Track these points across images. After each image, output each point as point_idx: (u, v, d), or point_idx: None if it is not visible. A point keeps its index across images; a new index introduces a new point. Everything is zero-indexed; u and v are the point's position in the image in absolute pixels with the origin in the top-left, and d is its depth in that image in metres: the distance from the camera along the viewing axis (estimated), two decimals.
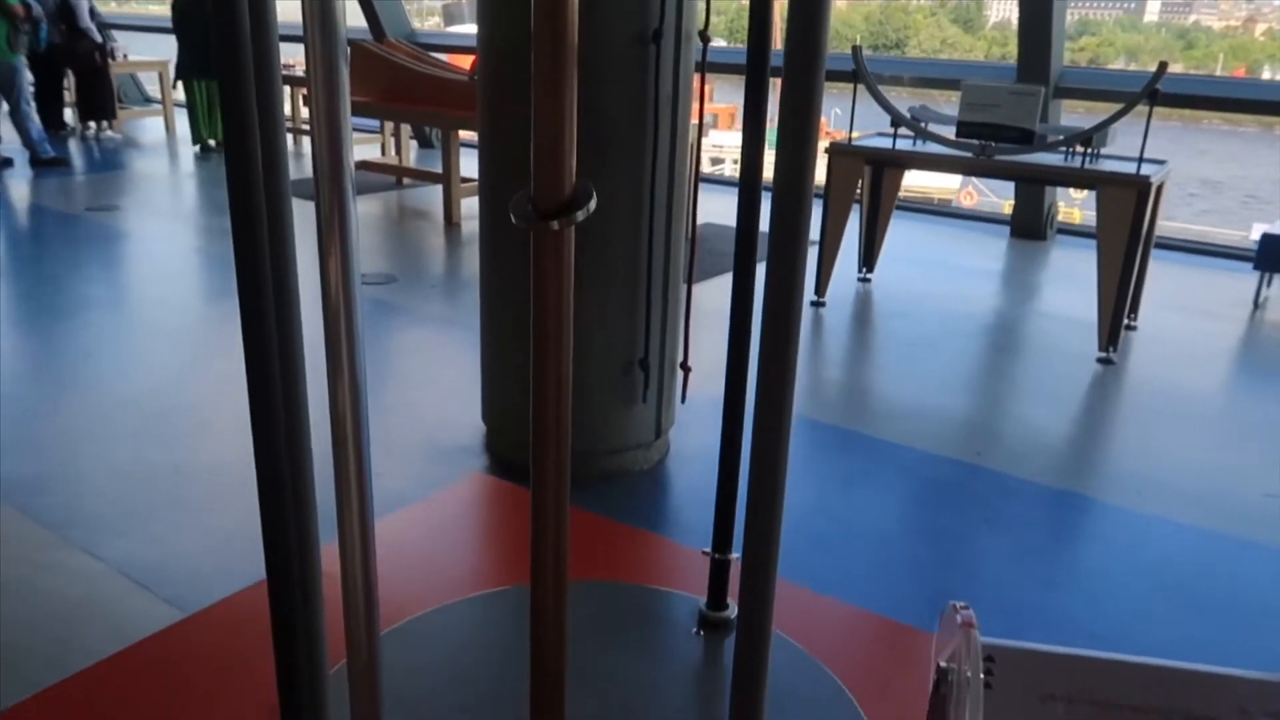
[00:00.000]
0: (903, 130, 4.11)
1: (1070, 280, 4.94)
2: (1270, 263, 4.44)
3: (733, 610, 0.86)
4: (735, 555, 0.84)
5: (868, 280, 4.73)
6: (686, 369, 2.65)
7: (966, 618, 0.68)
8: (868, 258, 4.70)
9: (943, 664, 0.68)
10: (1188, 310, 4.55)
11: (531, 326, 0.56)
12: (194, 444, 2.81)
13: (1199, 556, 2.44)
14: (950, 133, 4.01)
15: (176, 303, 4.12)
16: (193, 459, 2.70)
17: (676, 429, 2.85)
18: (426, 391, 3.26)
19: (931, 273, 5.01)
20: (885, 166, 4.36)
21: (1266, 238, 4.43)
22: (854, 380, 3.71)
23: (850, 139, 4.23)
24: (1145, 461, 2.99)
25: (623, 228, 2.40)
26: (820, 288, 4.29)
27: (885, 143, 4.16)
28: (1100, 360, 3.80)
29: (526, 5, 0.61)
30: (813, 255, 4.33)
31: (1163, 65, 3.61)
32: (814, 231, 4.51)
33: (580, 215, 0.46)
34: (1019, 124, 3.85)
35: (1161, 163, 3.83)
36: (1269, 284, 4.64)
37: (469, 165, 6.39)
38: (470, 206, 5.83)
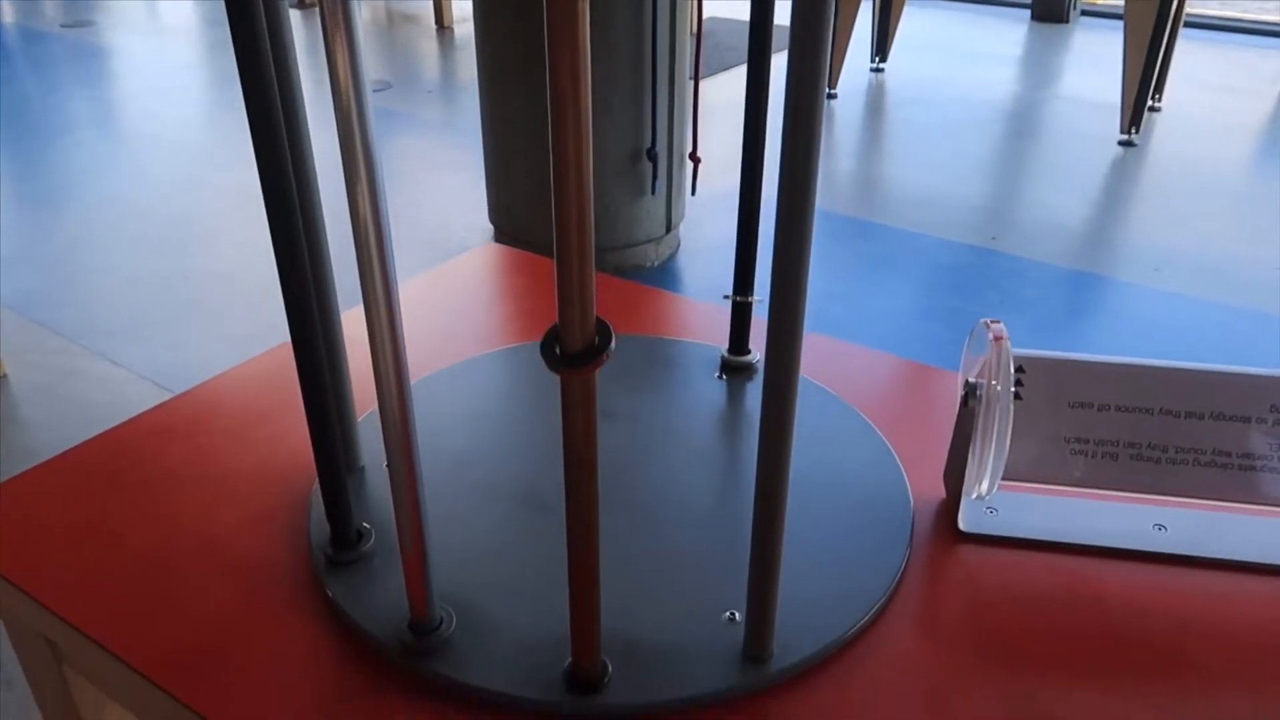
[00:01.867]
0: None
1: (1093, 63, 4.73)
2: None
3: (754, 355, 0.85)
4: (757, 298, 0.82)
5: (880, 70, 4.53)
6: (696, 160, 2.58)
7: (998, 331, 0.66)
8: (880, 47, 4.49)
9: (971, 379, 0.67)
10: (1215, 88, 4.37)
11: None
12: (202, 252, 2.79)
13: (1216, 331, 2.44)
14: None
15: (169, 117, 4.00)
16: (202, 266, 2.69)
17: (686, 224, 2.80)
18: (430, 194, 3.20)
19: (947, 60, 4.80)
20: None
21: None
22: (868, 170, 3.62)
23: None
24: (1164, 241, 2.95)
25: (624, 9, 2.27)
26: (832, 79, 4.12)
27: None
28: (1122, 143, 3.68)
29: None
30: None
31: None
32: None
33: (605, 358, 0.46)
34: None
35: None
36: None
37: None
38: (462, 9, 5.55)
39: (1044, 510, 0.71)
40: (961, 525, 0.70)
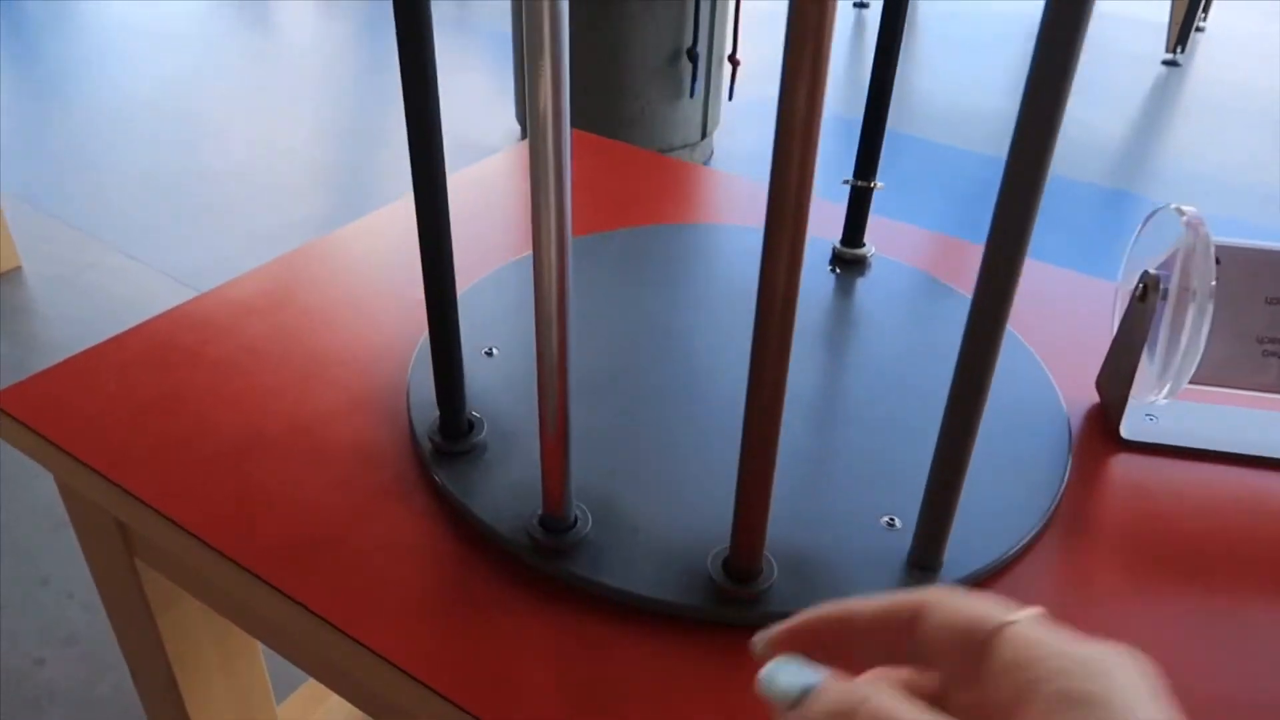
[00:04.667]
0: None
1: None
2: None
3: (869, 248, 0.78)
4: (879, 184, 0.74)
5: None
6: (735, 62, 2.47)
7: (1194, 217, 0.59)
8: None
9: (1153, 270, 0.59)
10: (1263, 11, 4.21)
11: None
12: (213, 148, 2.67)
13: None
14: None
15: (167, 9, 3.82)
16: (214, 163, 2.58)
17: (720, 132, 2.69)
18: (452, 97, 3.07)
19: None
20: None
21: None
22: (901, 83, 3.49)
23: None
24: (1203, 162, 2.86)
25: None
26: None
27: None
28: (1166, 63, 3.56)
29: None
30: None
31: None
32: None
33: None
34: None
35: None
36: None
37: None
38: None
39: (1210, 418, 0.65)
40: (1124, 433, 0.64)
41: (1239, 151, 2.93)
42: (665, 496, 0.57)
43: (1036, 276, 0.86)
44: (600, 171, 1.00)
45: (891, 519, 0.56)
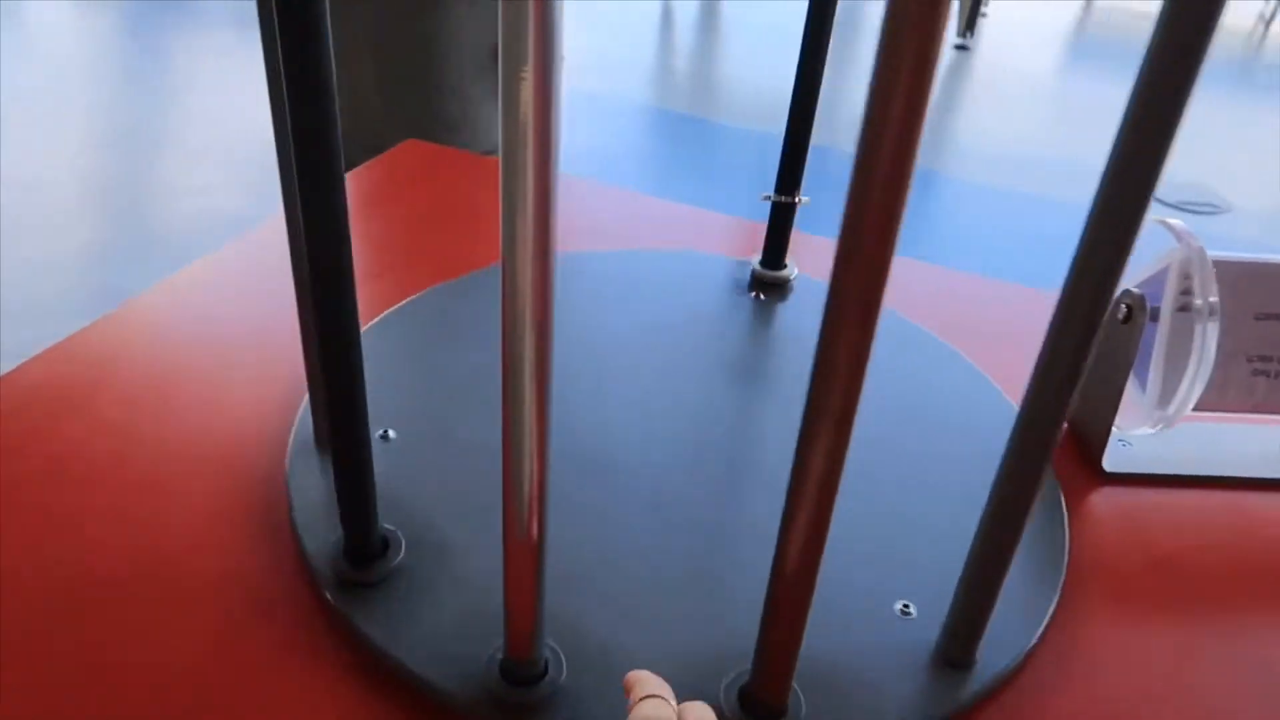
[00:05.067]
0: None
1: None
2: None
3: (793, 269, 0.70)
4: (804, 198, 0.66)
5: None
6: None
7: (1184, 230, 0.53)
8: None
9: (1135, 289, 0.54)
10: None
11: None
12: None
13: (1027, 218, 2.48)
14: None
15: None
16: None
17: None
18: (254, 95, 2.79)
19: None
20: None
21: None
22: (703, 70, 3.49)
23: None
24: (992, 139, 3.01)
25: None
26: None
27: None
28: (957, 47, 3.72)
29: None
30: None
31: None
32: None
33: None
34: None
35: None
36: None
37: None
38: None
39: (1186, 440, 0.61)
40: (1107, 466, 0.59)
41: (1023, 128, 3.10)
42: (647, 613, 0.46)
43: (952, 284, 0.81)
44: (449, 189, 0.87)
45: (905, 605, 0.48)
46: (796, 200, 0.69)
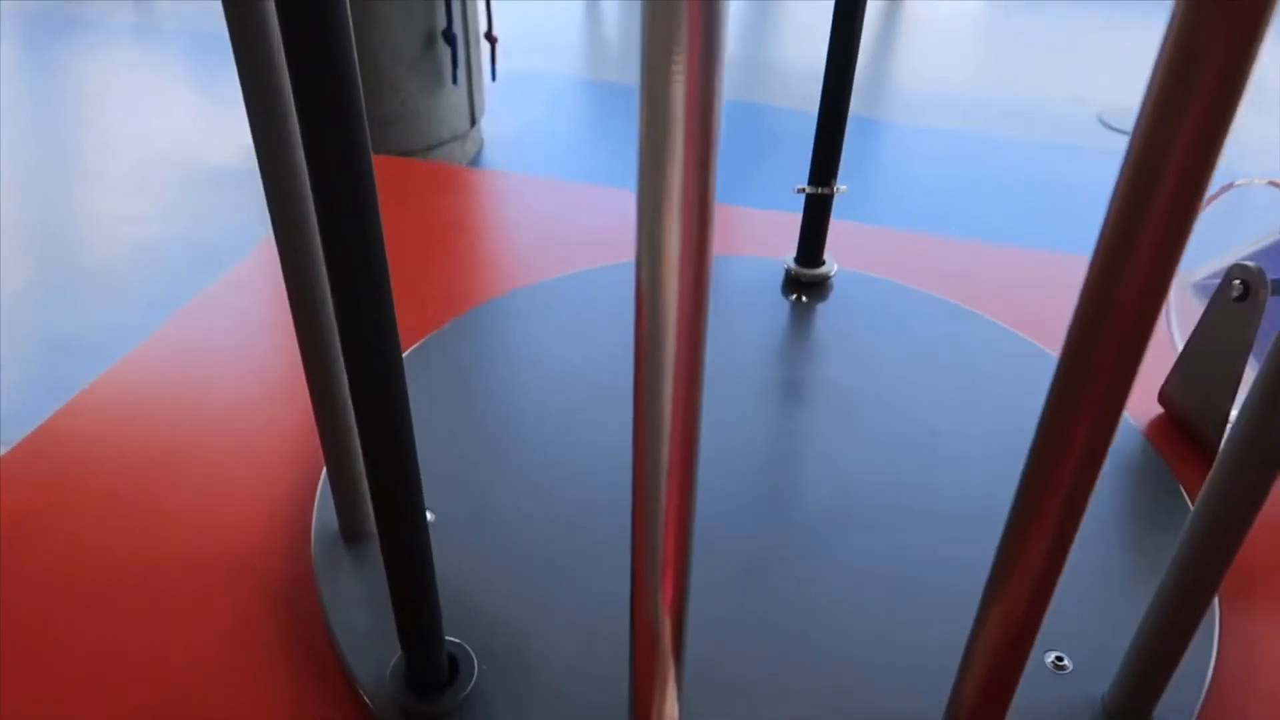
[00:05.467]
0: None
1: None
2: None
3: (831, 264, 0.63)
4: (843, 187, 0.59)
5: None
6: (493, 39, 2.25)
7: None
8: None
9: (1249, 263, 0.48)
10: None
11: None
12: None
13: (968, 157, 2.46)
14: None
15: None
16: None
17: (486, 117, 2.47)
18: (164, 116, 2.64)
19: None
20: None
21: None
22: (635, 36, 3.40)
23: None
24: (925, 81, 2.98)
25: None
26: None
27: None
28: None
29: None
30: None
31: None
32: None
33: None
34: None
35: None
36: None
37: None
38: None
39: None
40: None
41: (955, 69, 3.07)
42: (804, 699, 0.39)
43: (992, 260, 0.75)
44: (429, 210, 0.79)
45: (1059, 658, 0.41)
46: (834, 190, 0.62)
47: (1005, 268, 0.73)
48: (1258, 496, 0.34)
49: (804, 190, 0.62)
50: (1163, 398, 0.57)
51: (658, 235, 0.24)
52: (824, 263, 0.65)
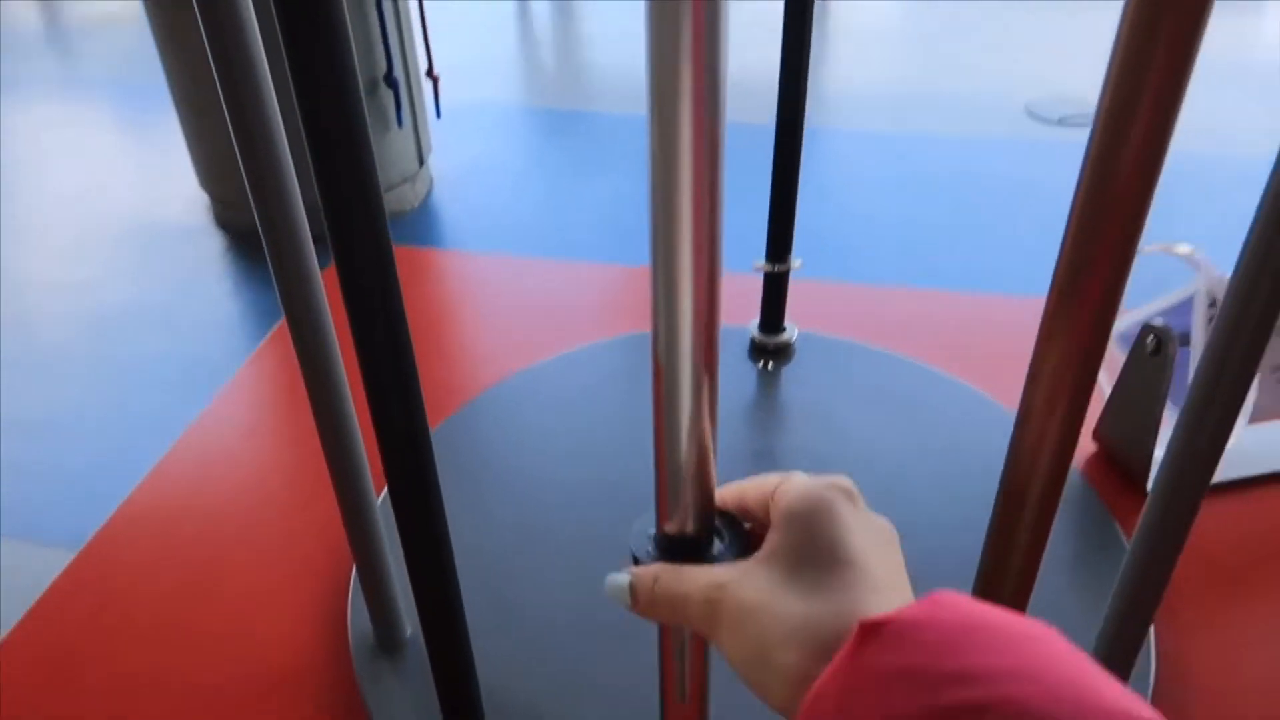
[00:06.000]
0: None
1: None
2: None
3: (792, 330, 0.69)
4: (798, 261, 0.66)
5: None
6: (435, 78, 2.28)
7: (1202, 259, 0.54)
8: None
9: (1159, 322, 0.55)
10: None
11: None
12: None
13: (903, 156, 2.54)
14: None
15: None
16: None
17: (434, 154, 2.51)
18: (101, 173, 2.63)
19: None
20: None
21: None
22: (572, 57, 3.44)
23: None
24: (853, 83, 3.06)
25: None
26: None
27: None
28: None
29: None
30: None
31: None
32: None
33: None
34: None
35: None
36: None
37: None
38: None
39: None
40: (1151, 488, 0.60)
41: (882, 70, 3.16)
42: None
43: (944, 308, 0.81)
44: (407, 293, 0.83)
45: None
46: (790, 266, 0.68)
47: (956, 314, 0.79)
48: (1183, 532, 0.41)
49: (761, 268, 0.68)
50: (1097, 436, 0.64)
51: (673, 308, 0.30)
52: (785, 329, 0.71)
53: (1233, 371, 0.49)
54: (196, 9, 0.57)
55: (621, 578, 0.38)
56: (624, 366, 0.68)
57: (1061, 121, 2.65)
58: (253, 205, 0.51)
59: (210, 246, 2.23)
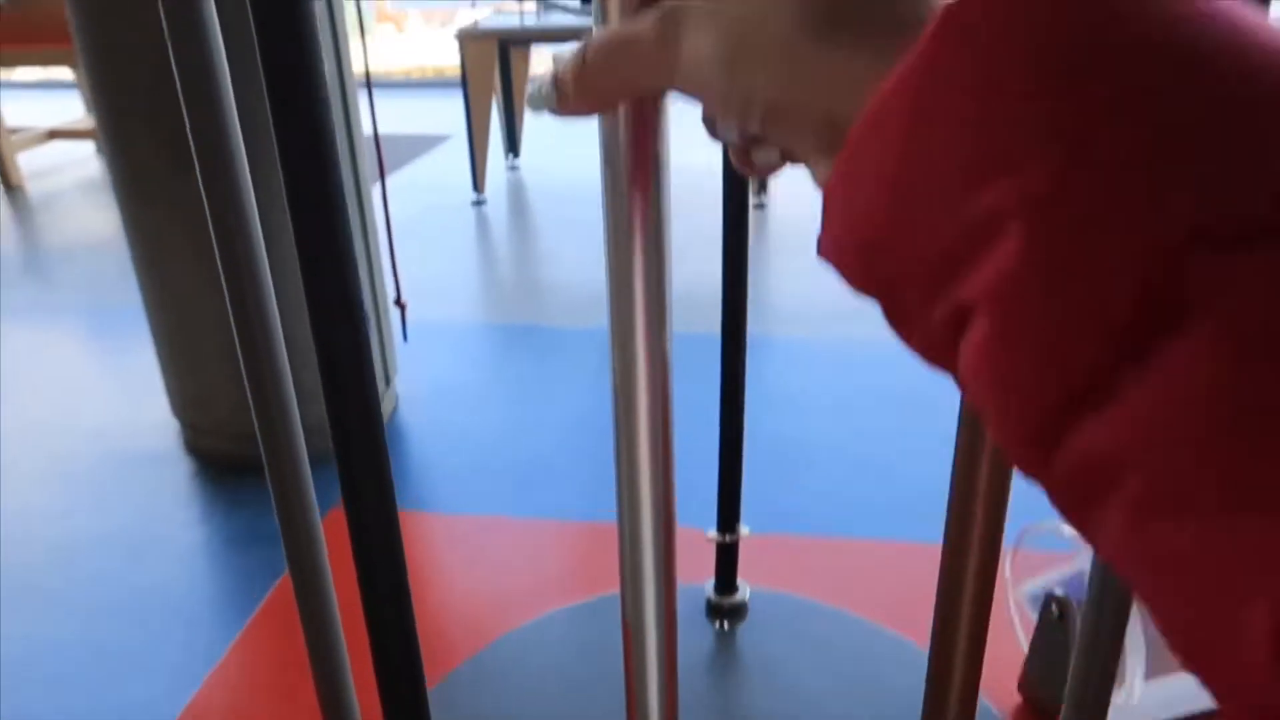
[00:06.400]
0: (525, 5, 3.96)
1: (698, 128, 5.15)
2: None
3: (744, 589, 0.77)
4: (746, 530, 0.75)
5: (516, 168, 4.60)
6: (403, 305, 2.42)
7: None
8: (512, 144, 4.57)
9: (1059, 592, 0.64)
10: None
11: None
12: None
13: (847, 366, 2.69)
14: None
15: None
16: None
17: (399, 376, 2.62)
18: (83, 397, 2.70)
19: (572, 146, 4.99)
20: (517, 45, 4.18)
21: None
22: (527, 274, 3.64)
23: (476, 22, 3.99)
24: (791, 296, 3.24)
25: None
26: (479, 184, 4.10)
27: (512, 21, 3.97)
28: (756, 206, 4.03)
29: None
30: (462, 154, 4.12)
31: None
32: (457, 129, 4.26)
33: None
34: None
35: None
36: None
37: (24, 110, 5.26)
38: (34, 164, 4.83)
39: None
40: None
41: (811, 278, 3.35)
42: None
43: (851, 556, 0.90)
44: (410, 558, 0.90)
45: None
46: (739, 536, 0.77)
47: (904, 565, 0.88)
48: None
49: (713, 539, 0.77)
50: (1021, 689, 0.72)
51: (638, 565, 0.37)
52: (738, 589, 0.79)
53: (1105, 641, 0.58)
54: (219, 257, 0.67)
55: (541, 76, 0.32)
56: (588, 636, 0.75)
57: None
58: (262, 451, 0.58)
59: (180, 473, 2.28)
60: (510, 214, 4.20)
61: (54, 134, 4.84)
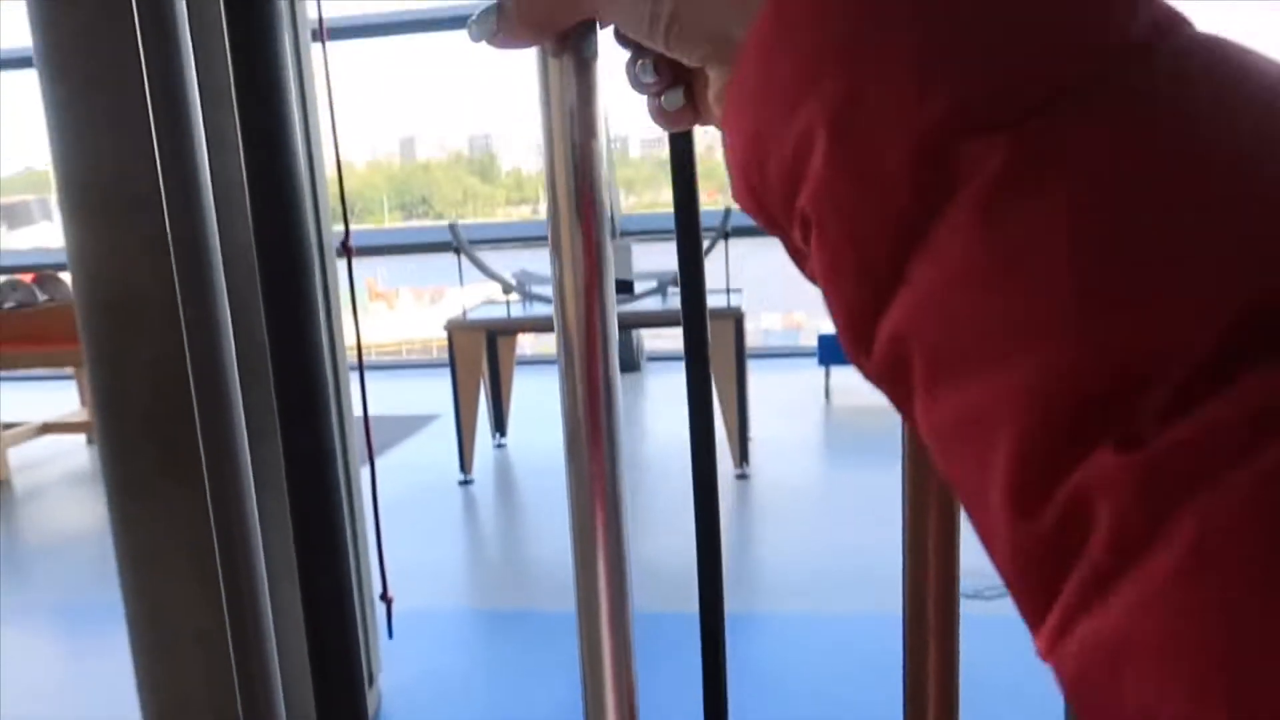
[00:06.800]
0: (510, 294, 4.20)
1: (676, 403, 5.30)
2: (829, 357, 5.09)
3: None
4: None
5: (503, 446, 4.69)
6: (389, 600, 2.39)
7: None
8: (499, 423, 4.68)
9: None
10: (780, 409, 5.10)
11: None
12: None
13: (838, 637, 2.63)
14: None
15: None
16: None
17: (382, 671, 2.54)
18: (53, 702, 2.58)
19: (558, 422, 5.10)
20: (503, 334, 4.38)
21: (823, 338, 5.09)
22: (515, 554, 3.62)
23: (465, 312, 4.21)
24: (778, 570, 3.21)
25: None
26: (466, 464, 4.16)
27: (498, 311, 4.19)
28: (738, 477, 4.08)
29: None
30: (450, 433, 4.21)
31: (728, 210, 4.09)
32: (446, 408, 4.38)
33: None
34: (618, 276, 4.11)
35: (739, 290, 4.27)
36: (830, 376, 5.33)
37: (19, 400, 5.37)
38: (23, 457, 4.88)
39: None
40: None
41: (799, 548, 3.35)
42: None
43: None
44: None
45: None
46: None
47: None
48: None
49: None
50: None
51: None
52: None
53: None
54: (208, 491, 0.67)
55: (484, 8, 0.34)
56: None
57: (977, 595, 2.82)
58: None
59: None
60: (497, 493, 4.23)
61: (47, 427, 4.92)
